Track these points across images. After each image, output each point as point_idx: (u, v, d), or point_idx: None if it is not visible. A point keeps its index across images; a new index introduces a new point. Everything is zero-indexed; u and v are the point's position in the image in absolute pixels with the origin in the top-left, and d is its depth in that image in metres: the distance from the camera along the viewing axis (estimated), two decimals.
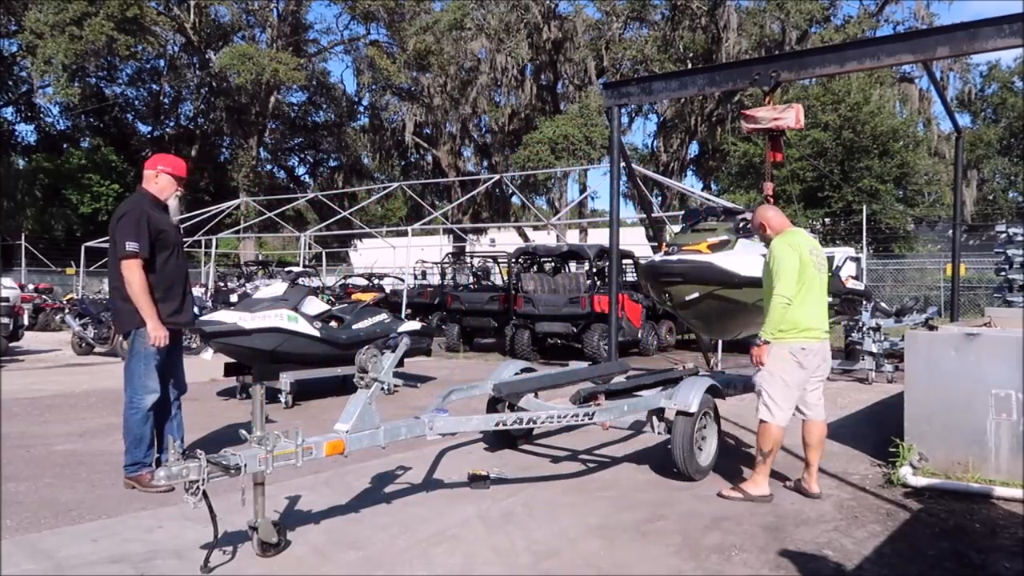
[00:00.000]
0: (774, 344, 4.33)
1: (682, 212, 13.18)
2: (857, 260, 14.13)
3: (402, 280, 15.56)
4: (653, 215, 16.33)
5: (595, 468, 5.19)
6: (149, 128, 34.32)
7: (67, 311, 14.52)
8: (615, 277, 7.71)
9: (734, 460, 5.35)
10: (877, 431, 6.14)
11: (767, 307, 4.38)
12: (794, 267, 4.29)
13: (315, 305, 8.29)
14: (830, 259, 10.29)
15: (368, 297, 10.62)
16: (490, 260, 19.11)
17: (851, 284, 10.65)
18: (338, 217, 21.36)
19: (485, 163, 33.87)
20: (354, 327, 8.41)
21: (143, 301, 4.32)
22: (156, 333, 4.34)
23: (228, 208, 23.43)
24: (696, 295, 6.22)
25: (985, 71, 35.41)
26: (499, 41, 27.42)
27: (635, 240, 17.89)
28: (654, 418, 4.99)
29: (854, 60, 6.66)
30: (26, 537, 3.70)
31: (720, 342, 11.11)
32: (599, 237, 24.04)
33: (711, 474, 4.89)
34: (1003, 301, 11.69)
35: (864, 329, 9.69)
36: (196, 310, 10.78)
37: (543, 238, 26.62)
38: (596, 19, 28.40)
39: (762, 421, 4.41)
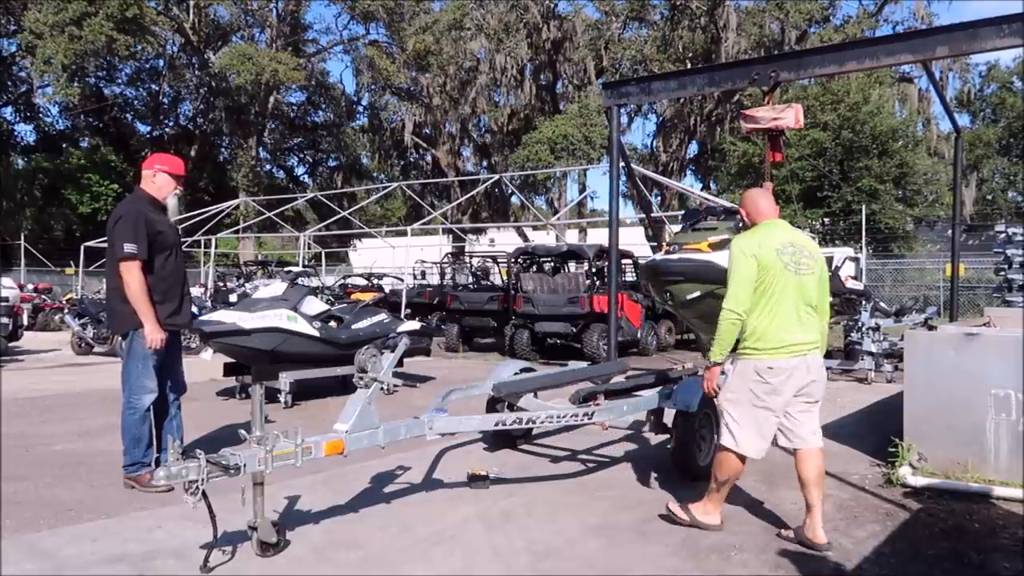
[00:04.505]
0: (739, 361, 3.72)
1: (681, 212, 13.18)
2: (856, 260, 14.15)
3: (401, 280, 15.55)
4: (652, 215, 16.33)
5: (595, 468, 5.19)
6: (148, 128, 34.31)
7: (67, 311, 14.52)
8: (615, 277, 7.71)
9: None
10: (876, 431, 6.14)
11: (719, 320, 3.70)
12: (748, 274, 3.61)
13: (314, 305, 8.29)
14: (829, 259, 10.31)
15: (368, 297, 10.63)
16: (490, 260, 19.10)
17: (850, 284, 10.67)
18: (337, 217, 21.35)
19: (484, 163, 33.89)
20: (354, 327, 8.41)
21: (142, 303, 4.32)
22: (153, 336, 4.33)
23: (227, 208, 23.42)
24: (697, 294, 6.21)
25: (984, 71, 35.50)
26: (498, 41, 27.43)
27: (634, 240, 17.87)
28: (652, 418, 5.00)
29: (853, 60, 6.68)
30: (26, 537, 3.70)
31: None
32: (598, 237, 24.03)
33: None
34: (1003, 301, 11.68)
35: (863, 329, 9.70)
36: (196, 310, 10.85)
37: (542, 238, 26.61)
38: (595, 19, 28.43)
39: (723, 448, 3.79)
